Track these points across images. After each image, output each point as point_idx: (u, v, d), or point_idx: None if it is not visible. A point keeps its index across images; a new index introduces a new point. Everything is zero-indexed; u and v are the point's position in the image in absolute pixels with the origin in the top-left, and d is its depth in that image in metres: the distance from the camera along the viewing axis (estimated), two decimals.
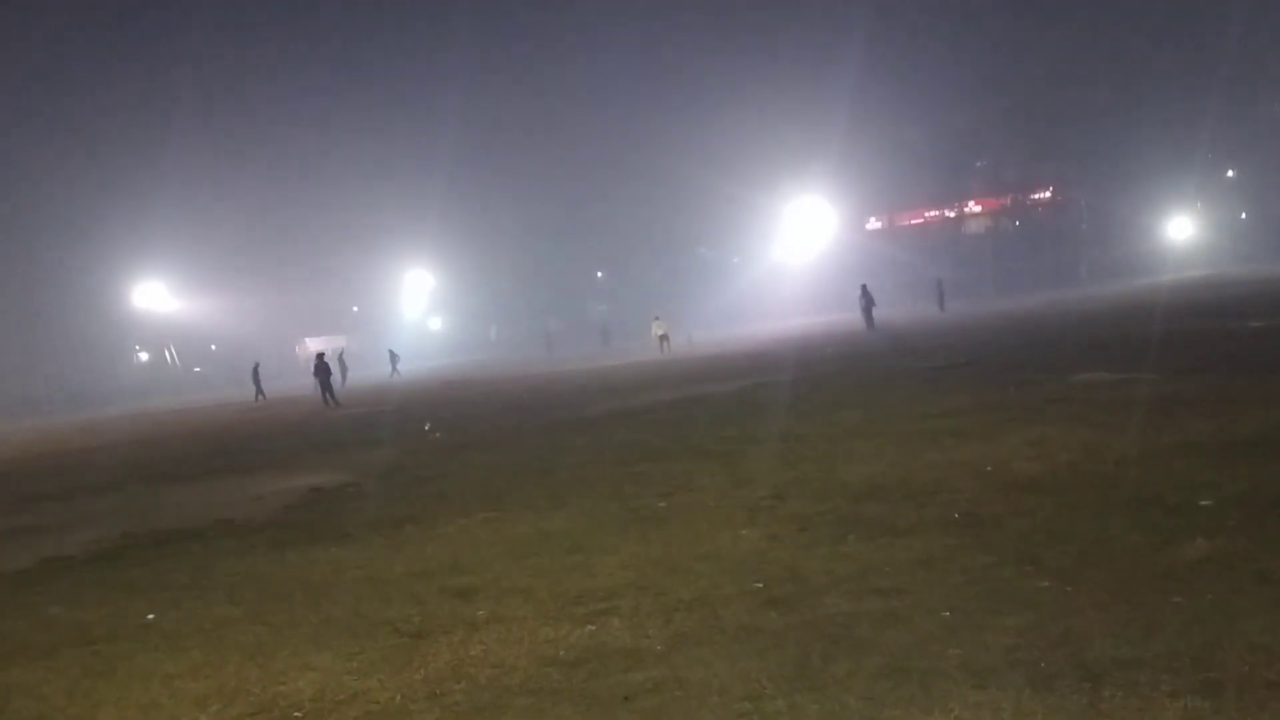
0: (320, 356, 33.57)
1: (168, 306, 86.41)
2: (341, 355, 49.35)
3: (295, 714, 4.59)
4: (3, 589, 8.28)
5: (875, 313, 38.49)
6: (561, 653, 4.98)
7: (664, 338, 42.43)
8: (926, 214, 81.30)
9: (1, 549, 10.34)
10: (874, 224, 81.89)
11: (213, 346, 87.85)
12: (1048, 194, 77.92)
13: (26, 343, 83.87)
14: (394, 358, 53.77)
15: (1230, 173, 69.85)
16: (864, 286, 39.31)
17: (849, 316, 46.11)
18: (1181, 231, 67.76)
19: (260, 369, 44.42)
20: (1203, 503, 6.36)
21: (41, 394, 77.17)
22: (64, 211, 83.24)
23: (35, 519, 12.61)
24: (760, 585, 5.68)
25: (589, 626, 5.33)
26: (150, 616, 6.65)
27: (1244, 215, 68.18)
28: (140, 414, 45.12)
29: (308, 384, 42.97)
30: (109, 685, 5.34)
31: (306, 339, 77.72)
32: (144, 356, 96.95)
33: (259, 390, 42.57)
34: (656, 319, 43.83)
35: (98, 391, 77.12)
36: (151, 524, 10.78)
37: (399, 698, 4.63)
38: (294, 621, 6.09)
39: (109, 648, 6.04)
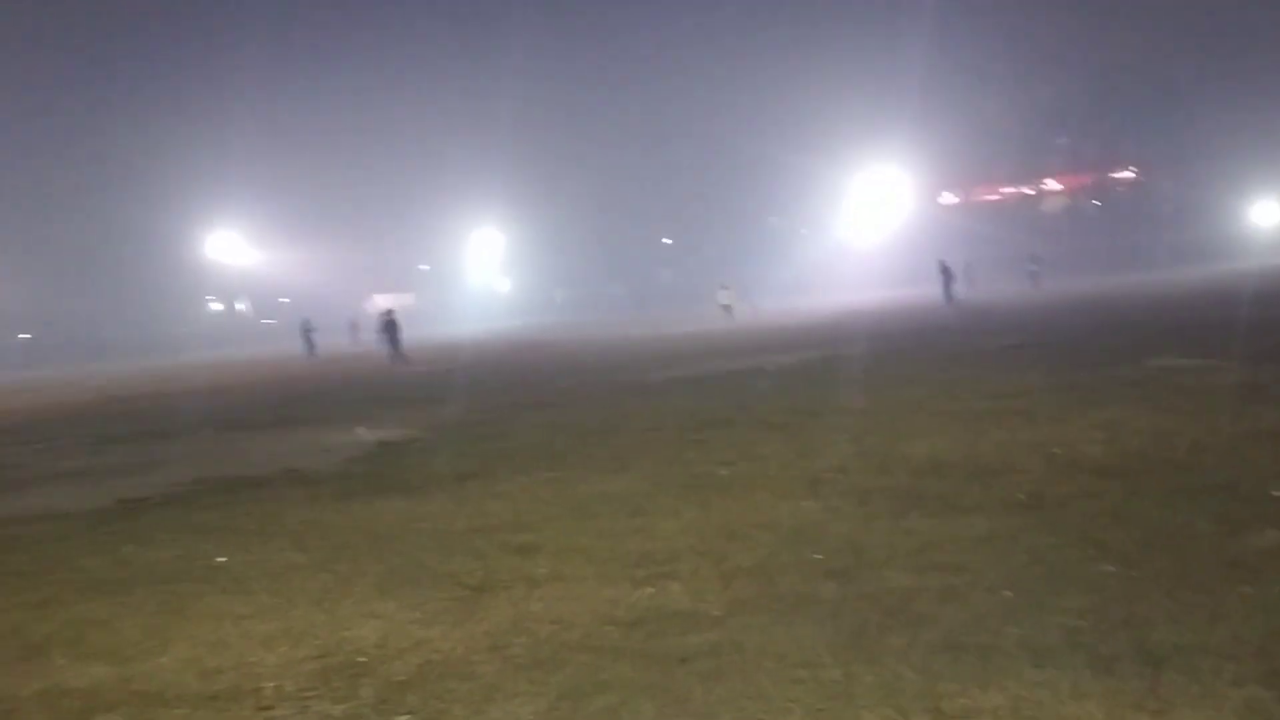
0: (389, 313, 34.02)
1: (241, 258, 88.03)
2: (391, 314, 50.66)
3: (359, 659, 4.72)
4: (80, 527, 8.57)
5: (954, 288, 38.15)
6: (620, 612, 5.06)
7: (728, 306, 42.29)
8: (1003, 190, 79.88)
9: (79, 488, 10.70)
10: (948, 198, 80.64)
11: (283, 299, 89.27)
12: (1130, 173, 76.15)
13: (103, 290, 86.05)
14: (354, 327, 55.19)
15: None
16: (942, 262, 38.94)
17: (923, 291, 45.62)
18: (1267, 216, 65.86)
19: (310, 324, 44.74)
20: (1275, 493, 6.24)
21: (117, 340, 79.10)
22: (139, 162, 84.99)
23: (111, 460, 13.01)
24: (819, 556, 5.70)
25: (648, 589, 5.40)
26: (220, 559, 6.85)
27: None
28: (212, 363, 46.10)
29: (373, 340, 43.87)
30: (181, 623, 5.53)
31: (376, 295, 78.76)
32: (216, 306, 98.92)
33: (311, 346, 43.02)
34: (724, 287, 43.71)
35: (171, 339, 78.89)
36: (222, 470, 11.07)
37: (460, 648, 4.74)
38: (359, 570, 6.24)
39: (181, 587, 6.23)
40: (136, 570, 6.80)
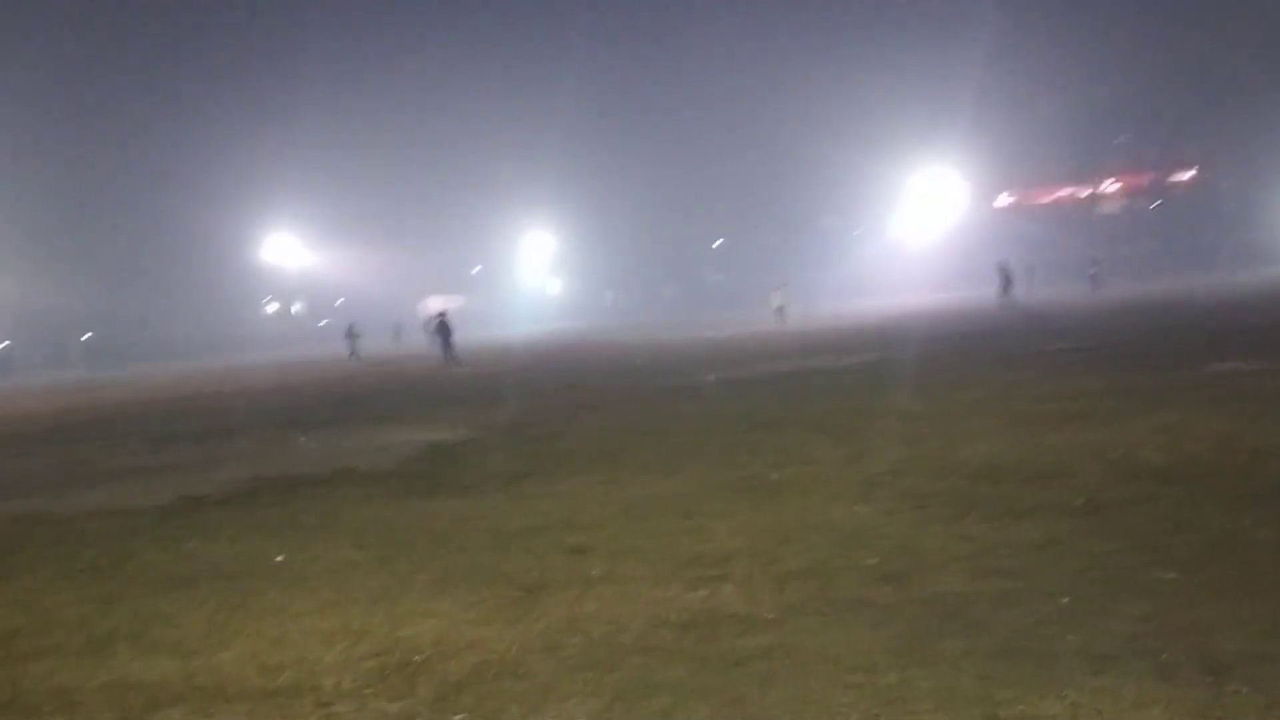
0: (442, 315, 34.23)
1: (298, 260, 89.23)
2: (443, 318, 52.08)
3: (416, 657, 4.78)
4: (144, 523, 8.74)
5: (1013, 290, 37.68)
6: (674, 614, 5.07)
7: (781, 309, 42.16)
8: (1060, 191, 78.79)
9: (143, 485, 10.91)
10: (1004, 200, 79.69)
11: (338, 301, 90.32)
12: (1191, 174, 74.80)
13: (163, 292, 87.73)
14: (397, 329, 56.22)
15: None
16: (1001, 263, 38.45)
17: (979, 293, 45.12)
18: None
19: (354, 328, 45.10)
20: None
21: (177, 340, 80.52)
22: (198, 166, 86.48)
23: (173, 458, 13.25)
24: (874, 560, 5.67)
25: (701, 590, 5.41)
26: (280, 556, 6.96)
27: None
28: (269, 363, 46.75)
29: (418, 342, 44.53)
30: (242, 618, 5.63)
31: (429, 297, 79.61)
32: (273, 307, 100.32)
33: (352, 350, 43.23)
34: (778, 289, 43.59)
35: (229, 340, 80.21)
36: (281, 468, 11.25)
37: (516, 648, 4.78)
38: (416, 568, 6.31)
39: (242, 583, 6.34)
40: (199, 566, 6.93)
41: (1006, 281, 37.44)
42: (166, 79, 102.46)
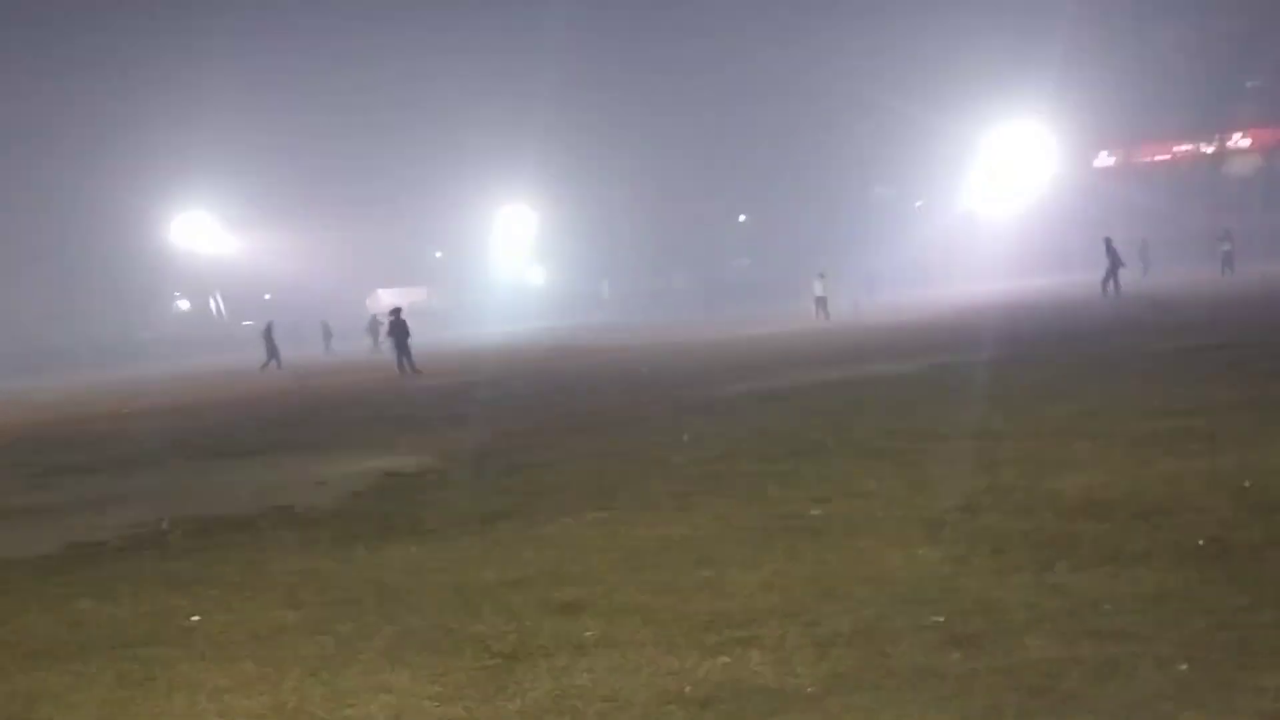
0: (396, 313, 34.27)
1: (213, 247, 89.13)
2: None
3: None
4: (24, 577, 8.77)
5: (1121, 274, 37.73)
6: (688, 688, 5.08)
7: (823, 299, 42.31)
8: (1177, 149, 78.66)
9: (22, 530, 10.97)
10: (1104, 160, 79.64)
11: (266, 296, 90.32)
12: None
13: (47, 288, 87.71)
14: (327, 332, 57.46)
15: None
16: (1108, 241, 38.47)
17: (1075, 278, 45.17)
18: None
19: (271, 330, 45.79)
20: None
21: (64, 348, 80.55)
22: (86, 131, 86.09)
23: (59, 496, 13.28)
24: (941, 619, 5.68)
25: (722, 658, 5.42)
26: (195, 618, 6.99)
27: None
28: (181, 375, 46.88)
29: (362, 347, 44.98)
30: (148, 697, 5.64)
31: (380, 290, 79.84)
32: (185, 305, 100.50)
33: (271, 355, 43.69)
34: (820, 276, 43.67)
35: (130, 346, 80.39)
36: (196, 508, 11.27)
37: None
38: (365, 632, 6.34)
39: (148, 652, 6.36)
40: (94, 631, 6.96)
41: (1115, 263, 37.46)
42: (42, 26, 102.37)
